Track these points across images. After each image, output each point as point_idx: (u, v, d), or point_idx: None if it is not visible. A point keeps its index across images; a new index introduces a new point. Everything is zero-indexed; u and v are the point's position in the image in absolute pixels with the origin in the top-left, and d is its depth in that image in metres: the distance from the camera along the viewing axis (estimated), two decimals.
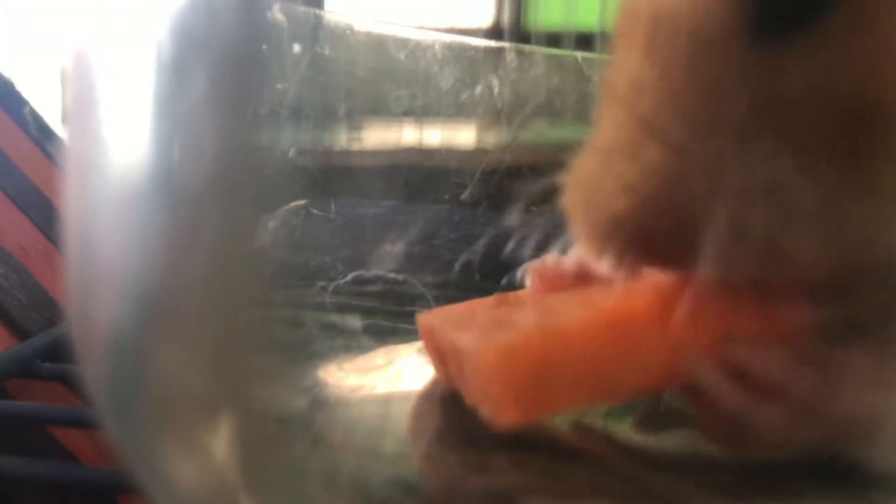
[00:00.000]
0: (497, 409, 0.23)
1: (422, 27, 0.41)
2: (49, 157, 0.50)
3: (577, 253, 0.29)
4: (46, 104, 0.57)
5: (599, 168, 0.24)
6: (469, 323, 0.26)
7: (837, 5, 0.20)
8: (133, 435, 0.18)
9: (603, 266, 0.25)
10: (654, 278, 0.24)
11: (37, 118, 0.51)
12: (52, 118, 0.53)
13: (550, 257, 0.30)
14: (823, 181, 0.21)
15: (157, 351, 0.19)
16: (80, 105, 0.21)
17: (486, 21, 0.44)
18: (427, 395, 0.29)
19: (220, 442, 0.17)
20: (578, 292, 0.27)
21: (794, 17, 0.21)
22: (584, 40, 0.44)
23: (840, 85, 0.20)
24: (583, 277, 0.28)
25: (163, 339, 0.19)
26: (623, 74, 0.24)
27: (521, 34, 0.42)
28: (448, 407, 0.27)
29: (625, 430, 0.26)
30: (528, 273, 0.30)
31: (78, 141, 0.20)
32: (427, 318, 0.29)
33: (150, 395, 0.18)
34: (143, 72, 0.20)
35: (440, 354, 0.28)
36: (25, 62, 0.54)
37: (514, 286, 0.32)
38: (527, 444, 0.25)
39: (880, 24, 0.20)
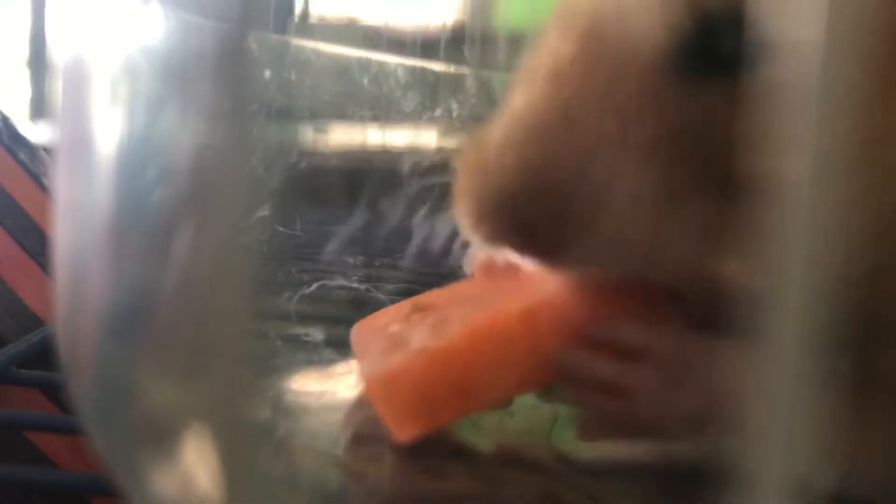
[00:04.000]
0: (393, 427, 0.25)
1: (387, 24, 0.42)
2: (22, 164, 0.49)
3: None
4: (16, 111, 0.57)
5: (501, 141, 0.24)
6: (373, 342, 0.28)
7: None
8: (117, 449, 0.20)
9: (476, 245, 0.26)
10: (524, 287, 0.26)
11: (8, 125, 0.50)
12: (24, 125, 0.53)
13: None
14: (689, 206, 0.22)
15: (134, 371, 0.20)
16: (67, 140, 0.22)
17: (450, 19, 0.44)
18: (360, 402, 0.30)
19: (194, 454, 0.19)
20: (481, 292, 0.28)
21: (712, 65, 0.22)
22: None
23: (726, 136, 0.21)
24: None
25: (139, 358, 0.20)
26: (552, 58, 0.24)
27: (485, 34, 0.43)
28: None
29: (573, 441, 0.27)
30: (471, 263, 0.30)
31: (65, 176, 0.22)
32: (359, 330, 0.30)
33: (130, 412, 0.20)
34: (120, 100, 0.21)
35: None
36: None
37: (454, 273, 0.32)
38: (481, 452, 0.27)
39: None
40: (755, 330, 0.12)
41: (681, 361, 0.23)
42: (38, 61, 0.82)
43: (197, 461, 0.18)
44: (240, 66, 0.16)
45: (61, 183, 0.21)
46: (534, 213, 0.23)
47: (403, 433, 0.25)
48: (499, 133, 0.24)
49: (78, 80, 0.21)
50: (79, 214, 0.21)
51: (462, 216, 0.25)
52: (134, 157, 0.21)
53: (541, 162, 0.23)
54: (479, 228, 0.24)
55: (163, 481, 0.19)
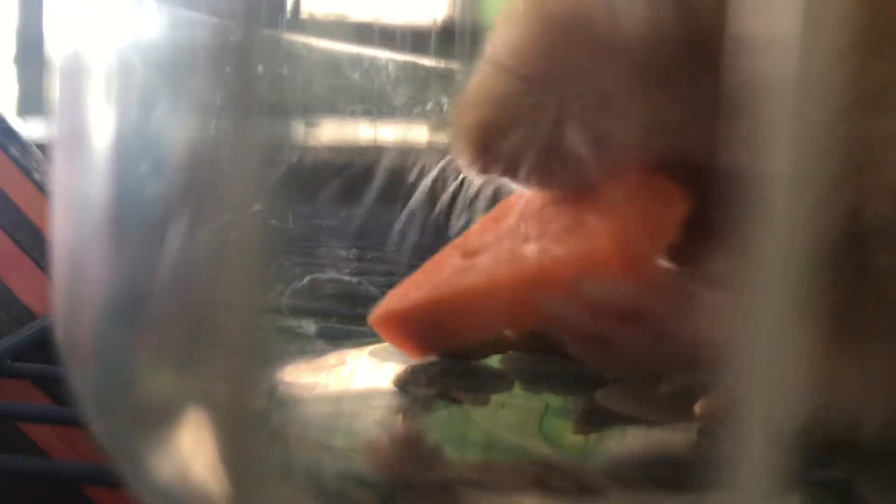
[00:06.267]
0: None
1: (377, 20, 0.42)
2: (13, 159, 0.49)
3: None
4: (4, 107, 0.56)
5: (476, 87, 0.28)
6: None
7: None
8: (116, 436, 0.20)
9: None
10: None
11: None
12: (13, 119, 0.53)
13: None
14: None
15: (133, 358, 0.21)
16: (63, 138, 0.22)
17: (440, 15, 0.44)
18: None
19: (193, 441, 0.19)
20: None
21: None
22: None
23: None
24: None
25: (138, 346, 0.21)
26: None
27: (475, 29, 0.43)
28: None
29: (562, 431, 0.28)
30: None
31: (62, 171, 0.22)
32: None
33: (129, 399, 0.20)
34: (117, 94, 0.22)
35: None
36: None
37: None
38: (471, 440, 0.28)
39: None
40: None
41: (667, 320, 0.25)
42: (26, 58, 0.82)
43: (195, 448, 0.19)
44: (238, 61, 0.16)
45: (59, 175, 0.22)
46: (507, 138, 0.27)
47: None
48: (475, 82, 0.29)
49: (75, 74, 0.22)
50: (78, 206, 0.21)
51: (457, 155, 0.29)
52: (132, 150, 0.21)
53: (506, 95, 0.27)
54: (470, 161, 0.28)
55: (162, 468, 0.19)
